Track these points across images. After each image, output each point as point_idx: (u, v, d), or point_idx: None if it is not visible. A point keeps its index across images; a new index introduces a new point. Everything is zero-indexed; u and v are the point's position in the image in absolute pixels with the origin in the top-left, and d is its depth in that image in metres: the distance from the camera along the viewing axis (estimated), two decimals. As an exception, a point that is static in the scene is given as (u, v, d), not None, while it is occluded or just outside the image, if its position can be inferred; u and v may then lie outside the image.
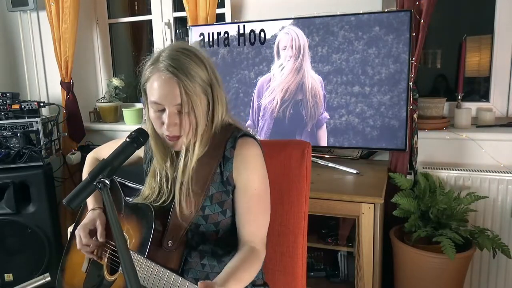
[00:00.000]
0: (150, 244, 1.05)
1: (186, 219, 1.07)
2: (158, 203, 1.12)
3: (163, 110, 1.01)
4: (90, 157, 1.39)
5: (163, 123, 1.02)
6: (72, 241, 1.34)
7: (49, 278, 1.22)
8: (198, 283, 0.87)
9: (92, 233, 1.20)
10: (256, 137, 1.15)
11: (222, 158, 1.08)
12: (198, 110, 1.00)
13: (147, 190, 1.15)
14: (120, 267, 1.13)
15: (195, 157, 1.05)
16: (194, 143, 1.05)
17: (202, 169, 1.07)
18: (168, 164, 1.12)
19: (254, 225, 1.09)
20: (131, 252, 0.97)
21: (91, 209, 1.24)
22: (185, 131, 1.02)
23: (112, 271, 1.18)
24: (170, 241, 1.07)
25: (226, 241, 1.12)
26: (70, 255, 1.34)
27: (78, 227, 1.20)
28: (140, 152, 1.21)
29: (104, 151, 1.35)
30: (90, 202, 1.26)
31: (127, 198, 1.20)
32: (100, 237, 1.18)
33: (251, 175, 1.08)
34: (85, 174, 1.36)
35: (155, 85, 1.00)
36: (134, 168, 1.27)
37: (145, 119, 1.13)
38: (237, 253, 1.05)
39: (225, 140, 1.09)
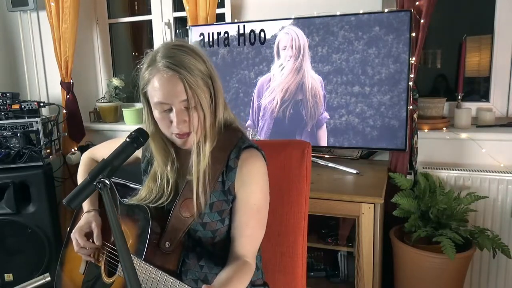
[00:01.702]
0: (147, 245, 1.05)
1: (188, 220, 1.07)
2: (154, 205, 1.11)
3: (169, 110, 1.01)
4: (85, 157, 1.38)
5: (171, 122, 1.02)
6: (69, 243, 1.33)
7: (49, 278, 1.22)
8: (203, 286, 0.87)
9: (88, 235, 1.19)
10: (257, 137, 1.15)
11: (225, 167, 1.07)
12: (204, 103, 1.00)
13: (144, 192, 1.14)
14: (118, 269, 1.12)
15: (207, 152, 1.05)
16: (204, 138, 1.05)
17: (211, 169, 1.06)
18: (169, 168, 1.11)
19: (249, 239, 1.08)
20: (129, 254, 0.97)
21: (86, 211, 1.23)
22: (194, 127, 1.02)
23: (110, 273, 1.18)
24: (168, 242, 1.07)
25: (222, 245, 1.11)
26: (67, 256, 1.33)
27: (73, 230, 1.19)
28: (137, 153, 1.20)
29: (99, 151, 1.35)
30: (85, 204, 1.24)
31: (123, 199, 1.20)
32: (96, 240, 1.17)
33: (252, 189, 1.08)
34: (80, 174, 1.35)
35: (157, 85, 0.99)
36: (131, 168, 1.27)
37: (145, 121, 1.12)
38: (231, 264, 1.04)
39: (229, 147, 1.08)
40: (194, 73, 0.98)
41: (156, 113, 1.04)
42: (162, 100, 0.99)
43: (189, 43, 1.06)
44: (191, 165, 1.07)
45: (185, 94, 0.98)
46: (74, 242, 1.18)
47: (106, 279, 1.17)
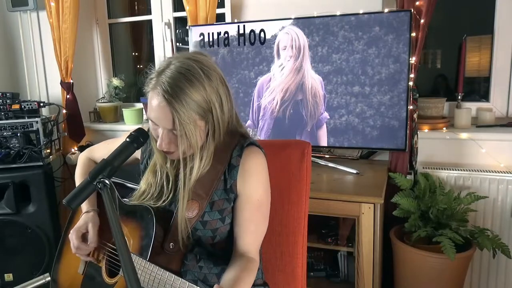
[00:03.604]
0: (152, 246, 1.04)
1: (191, 220, 1.07)
2: (157, 204, 1.11)
3: (158, 126, 1.02)
4: (82, 157, 1.37)
5: (158, 136, 1.03)
6: (65, 244, 1.32)
7: (49, 278, 1.22)
8: (215, 286, 0.88)
9: (85, 236, 1.18)
10: (257, 137, 1.14)
11: (227, 166, 1.08)
12: (192, 136, 0.99)
13: (144, 185, 1.14)
14: (121, 270, 1.12)
15: (195, 174, 1.04)
16: (193, 157, 1.05)
17: (208, 173, 1.06)
18: (168, 165, 1.12)
19: (254, 235, 1.09)
20: (132, 255, 0.96)
21: (85, 212, 1.22)
22: (178, 149, 1.02)
23: (112, 274, 1.17)
24: (172, 243, 1.06)
25: (221, 245, 1.11)
26: (64, 257, 1.32)
27: (71, 231, 1.18)
28: (136, 154, 1.20)
29: (97, 151, 1.35)
30: (84, 204, 1.23)
31: (124, 199, 1.19)
32: (90, 241, 1.16)
33: (255, 185, 1.08)
34: (77, 174, 1.35)
35: (152, 104, 0.99)
36: (131, 168, 1.26)
37: (146, 119, 1.13)
38: (237, 262, 1.04)
39: (231, 147, 1.09)
40: (190, 106, 0.96)
41: (149, 122, 1.05)
42: (152, 119, 1.01)
43: (203, 64, 1.01)
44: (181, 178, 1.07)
45: (172, 125, 0.97)
46: (71, 243, 1.17)
47: (107, 280, 1.16)
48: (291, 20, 2.06)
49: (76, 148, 2.80)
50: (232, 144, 1.09)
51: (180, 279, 0.96)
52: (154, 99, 0.99)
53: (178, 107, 0.95)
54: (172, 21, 2.80)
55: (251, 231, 1.09)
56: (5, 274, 2.37)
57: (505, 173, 1.99)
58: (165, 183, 1.12)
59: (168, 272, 0.98)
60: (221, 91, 1.03)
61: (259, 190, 1.09)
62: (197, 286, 1.06)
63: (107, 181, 0.88)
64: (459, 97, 2.18)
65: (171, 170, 1.12)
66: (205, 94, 0.99)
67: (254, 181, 1.08)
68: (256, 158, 1.09)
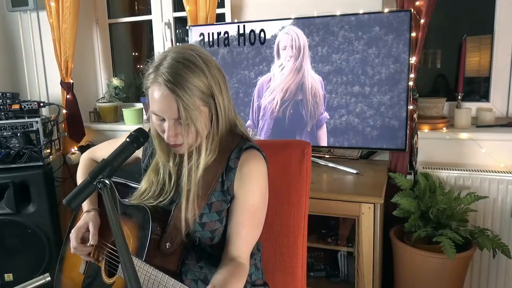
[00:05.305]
0: (148, 246, 1.04)
1: (187, 222, 1.07)
2: (155, 203, 1.11)
3: (164, 120, 1.01)
4: (84, 157, 1.37)
5: (164, 131, 1.02)
6: (68, 243, 1.33)
7: (49, 278, 1.22)
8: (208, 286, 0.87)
9: (86, 235, 1.19)
10: (257, 137, 1.14)
11: (225, 167, 1.07)
12: (198, 123, 0.99)
13: (145, 184, 1.14)
14: (118, 270, 1.12)
15: (202, 164, 1.04)
16: (198, 148, 1.04)
17: (207, 174, 1.06)
18: (171, 163, 1.12)
19: (245, 240, 1.08)
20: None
21: (86, 211, 1.23)
22: (186, 140, 1.02)
23: (110, 274, 1.17)
24: (168, 243, 1.06)
25: (221, 246, 1.11)
26: (67, 256, 1.33)
27: (72, 230, 1.19)
28: (137, 153, 1.20)
29: (99, 151, 1.35)
30: (85, 204, 1.24)
31: (123, 199, 1.19)
32: (91, 239, 1.17)
33: (251, 190, 1.07)
34: (79, 174, 1.35)
35: (154, 97, 0.99)
36: (131, 168, 1.26)
37: (146, 119, 1.12)
38: (227, 266, 1.03)
39: (230, 148, 1.08)
40: (192, 92, 0.97)
41: (153, 117, 1.05)
42: (156, 112, 1.01)
43: (199, 53, 1.02)
44: (184, 176, 1.06)
45: (178, 114, 0.97)
46: (71, 242, 1.17)
47: (106, 280, 1.17)
48: (291, 20, 2.06)
49: (76, 148, 2.80)
50: (231, 145, 1.09)
51: (173, 279, 0.96)
52: (156, 91, 0.99)
53: (181, 94, 0.96)
54: (172, 21, 2.80)
55: (243, 236, 1.07)
56: (5, 274, 2.38)
57: (505, 173, 1.99)
58: (167, 181, 1.12)
59: (162, 273, 0.98)
60: (219, 76, 1.03)
61: (255, 196, 1.08)
62: (197, 286, 1.07)
63: (107, 181, 0.88)
64: (459, 97, 2.18)
65: (173, 168, 1.12)
66: (206, 79, 0.99)
67: (250, 186, 1.07)
68: (255, 162, 1.08)
